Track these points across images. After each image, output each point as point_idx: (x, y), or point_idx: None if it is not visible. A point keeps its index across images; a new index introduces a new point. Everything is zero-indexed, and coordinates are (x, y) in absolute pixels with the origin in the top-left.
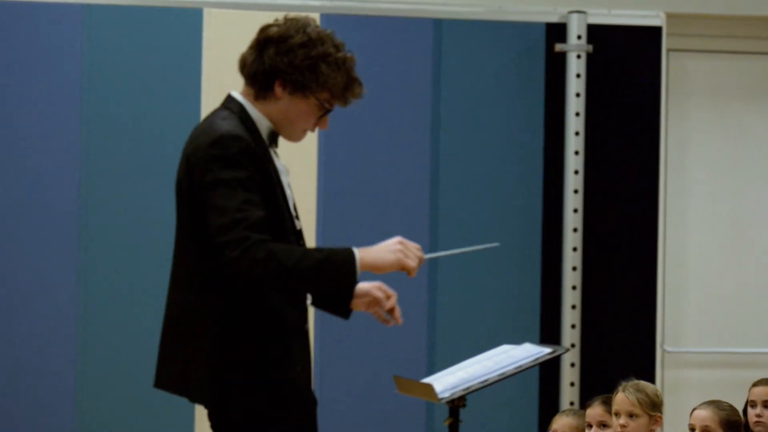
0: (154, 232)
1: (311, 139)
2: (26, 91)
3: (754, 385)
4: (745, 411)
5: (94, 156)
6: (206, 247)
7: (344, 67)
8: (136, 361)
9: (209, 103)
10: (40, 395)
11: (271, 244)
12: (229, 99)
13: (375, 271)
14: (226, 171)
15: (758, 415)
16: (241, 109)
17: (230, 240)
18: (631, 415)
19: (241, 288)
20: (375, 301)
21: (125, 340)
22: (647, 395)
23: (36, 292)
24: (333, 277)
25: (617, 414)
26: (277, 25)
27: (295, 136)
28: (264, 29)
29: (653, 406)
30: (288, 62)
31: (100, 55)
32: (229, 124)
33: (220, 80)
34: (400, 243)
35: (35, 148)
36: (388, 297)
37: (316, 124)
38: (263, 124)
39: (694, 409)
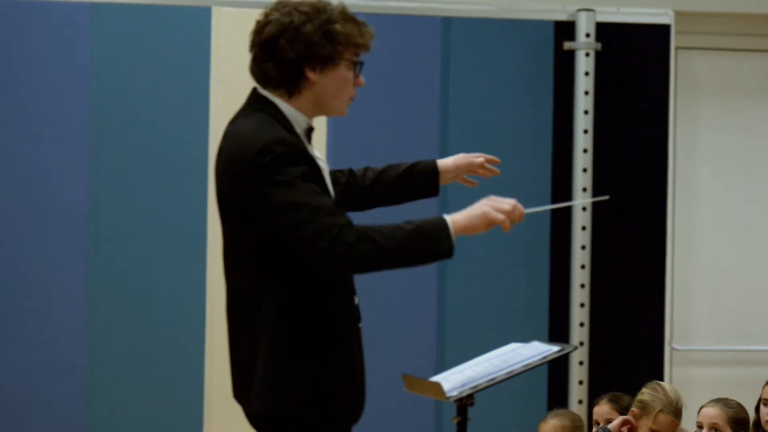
0: (164, 231)
1: (320, 137)
2: (35, 90)
3: None
4: (757, 408)
5: (103, 155)
6: (261, 257)
7: (347, 16)
8: (146, 361)
9: (218, 101)
10: (49, 395)
11: (358, 226)
12: (261, 99)
13: (469, 233)
14: (282, 173)
15: None
16: (276, 109)
17: (316, 231)
18: None
19: (340, 274)
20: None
21: (134, 340)
22: (681, 405)
23: (45, 291)
24: (429, 245)
25: None
26: (268, 22)
27: (344, 108)
28: (258, 32)
29: (681, 415)
30: (305, 44)
31: (108, 54)
32: (271, 129)
33: (229, 78)
34: (488, 199)
35: (44, 146)
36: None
37: (355, 85)
38: (299, 120)
39: (702, 407)
